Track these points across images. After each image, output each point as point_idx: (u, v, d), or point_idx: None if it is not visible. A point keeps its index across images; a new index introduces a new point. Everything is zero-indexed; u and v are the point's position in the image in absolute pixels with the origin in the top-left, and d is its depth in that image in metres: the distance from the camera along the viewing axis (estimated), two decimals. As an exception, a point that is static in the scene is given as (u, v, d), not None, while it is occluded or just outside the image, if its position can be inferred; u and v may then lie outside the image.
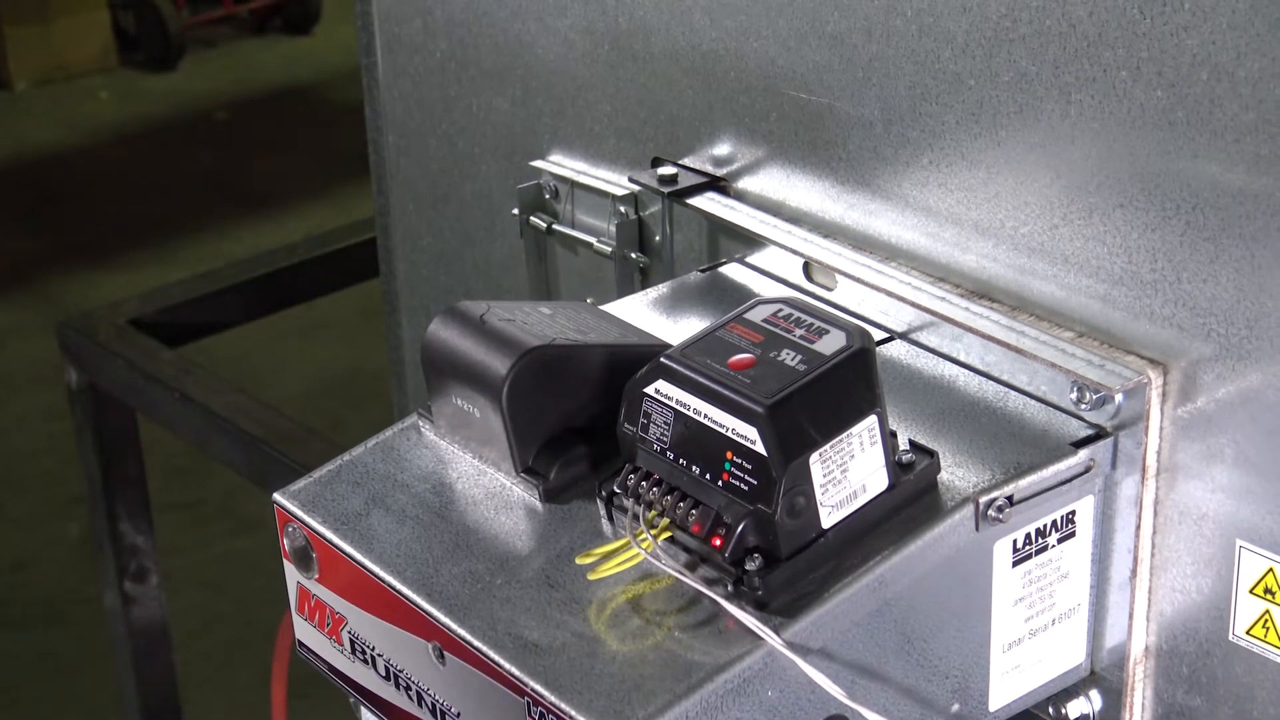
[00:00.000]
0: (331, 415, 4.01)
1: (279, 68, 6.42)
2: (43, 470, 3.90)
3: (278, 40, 6.69)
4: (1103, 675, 1.02)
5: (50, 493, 3.81)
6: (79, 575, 3.46)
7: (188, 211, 5.20)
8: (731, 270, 1.19)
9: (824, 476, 0.87)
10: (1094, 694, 1.03)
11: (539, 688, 0.85)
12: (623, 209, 1.26)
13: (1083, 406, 0.97)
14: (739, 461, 0.87)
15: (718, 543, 0.88)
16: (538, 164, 1.34)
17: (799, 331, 0.90)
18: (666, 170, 1.21)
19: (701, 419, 0.88)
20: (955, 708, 0.96)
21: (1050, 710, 1.03)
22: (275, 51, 6.59)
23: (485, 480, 0.98)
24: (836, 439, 0.87)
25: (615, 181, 1.28)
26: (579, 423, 0.97)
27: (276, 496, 1.00)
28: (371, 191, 1.57)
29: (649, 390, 0.91)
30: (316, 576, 0.97)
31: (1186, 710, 1.00)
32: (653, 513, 0.90)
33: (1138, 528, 0.98)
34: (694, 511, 0.89)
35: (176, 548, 3.48)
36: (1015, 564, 0.95)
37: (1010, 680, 0.98)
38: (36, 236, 5.14)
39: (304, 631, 1.02)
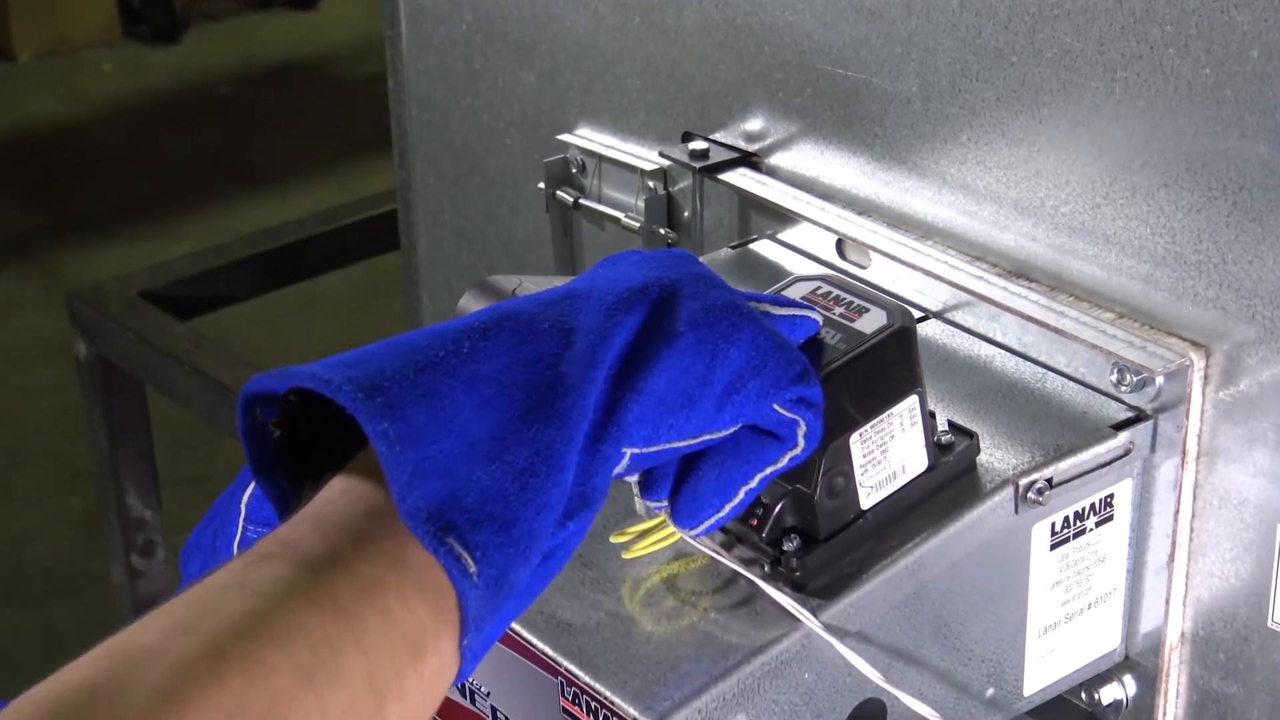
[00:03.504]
0: (336, 392, 3.98)
1: (283, 43, 6.39)
2: (46, 444, 3.88)
3: (281, 15, 6.65)
4: (1137, 661, 1.01)
5: (54, 466, 3.80)
6: (83, 549, 3.44)
7: (190, 186, 5.17)
8: (762, 247, 1.17)
9: (864, 457, 0.86)
10: (1128, 679, 1.01)
11: (573, 667, 0.84)
12: (652, 184, 1.24)
13: (1123, 389, 0.96)
14: (778, 440, 0.85)
15: (755, 522, 0.87)
16: (565, 138, 1.32)
17: (838, 309, 0.89)
18: (697, 145, 1.19)
19: (740, 397, 0.87)
20: (990, 692, 0.94)
21: (1084, 696, 1.02)
22: (279, 26, 6.55)
23: (516, 457, 0.97)
24: (877, 419, 0.86)
25: (644, 156, 1.26)
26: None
27: None
28: (393, 165, 1.56)
29: (686, 367, 0.90)
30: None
31: (1222, 697, 0.99)
32: (689, 491, 0.89)
33: (1176, 512, 0.97)
34: (731, 490, 0.87)
35: (183, 523, 3.46)
36: (1053, 547, 0.94)
37: (1045, 665, 0.96)
38: (38, 209, 5.11)
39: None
